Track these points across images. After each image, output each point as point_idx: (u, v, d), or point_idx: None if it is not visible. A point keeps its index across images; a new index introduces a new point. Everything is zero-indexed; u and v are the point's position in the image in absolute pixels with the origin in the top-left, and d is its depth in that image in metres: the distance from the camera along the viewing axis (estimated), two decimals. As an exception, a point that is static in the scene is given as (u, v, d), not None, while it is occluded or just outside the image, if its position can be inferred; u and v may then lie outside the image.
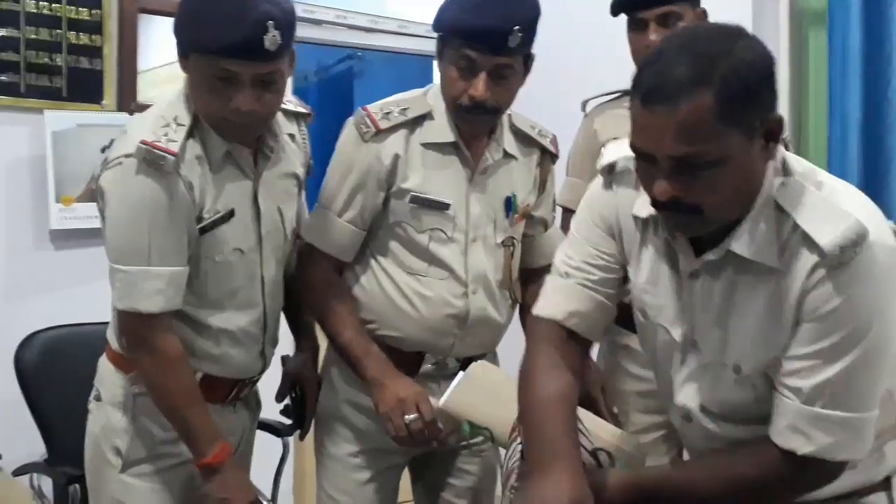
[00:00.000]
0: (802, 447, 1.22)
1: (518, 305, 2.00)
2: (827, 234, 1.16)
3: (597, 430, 1.52)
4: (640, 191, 1.31)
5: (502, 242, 1.90)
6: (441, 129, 1.82)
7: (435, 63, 1.88)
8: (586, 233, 1.42)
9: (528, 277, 1.98)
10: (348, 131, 1.84)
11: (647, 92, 1.15)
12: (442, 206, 1.82)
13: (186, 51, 1.61)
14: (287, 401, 2.02)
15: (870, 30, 2.51)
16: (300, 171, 1.86)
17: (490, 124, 1.85)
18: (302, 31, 3.20)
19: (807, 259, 1.19)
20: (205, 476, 1.69)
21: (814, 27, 2.92)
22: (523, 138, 1.94)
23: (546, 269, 1.65)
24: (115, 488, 1.76)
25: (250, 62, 1.56)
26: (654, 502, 1.37)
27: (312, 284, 1.90)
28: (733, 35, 1.18)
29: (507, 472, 1.48)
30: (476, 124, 1.82)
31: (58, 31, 2.80)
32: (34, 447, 2.29)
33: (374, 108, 1.83)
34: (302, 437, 2.06)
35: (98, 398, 1.80)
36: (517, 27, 1.68)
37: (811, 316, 1.20)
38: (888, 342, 1.22)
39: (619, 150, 1.37)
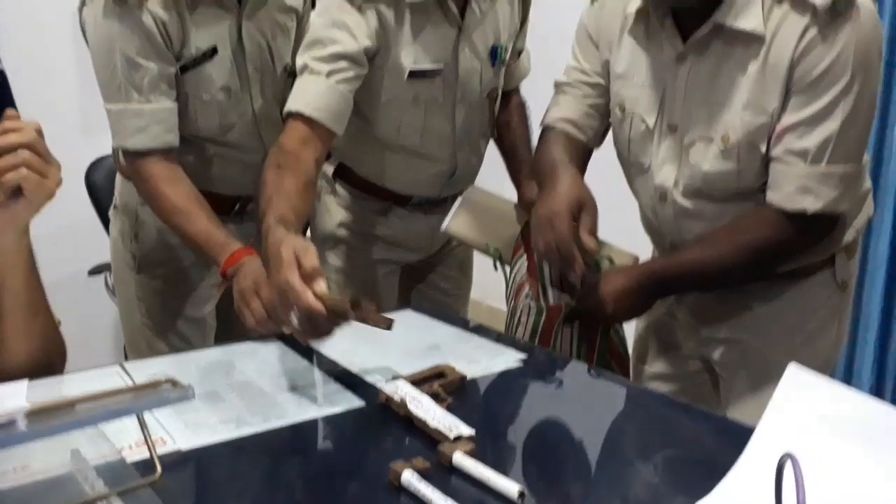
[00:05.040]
0: (812, 205, 1.24)
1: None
2: None
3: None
4: None
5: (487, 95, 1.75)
6: None
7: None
8: (577, 52, 1.50)
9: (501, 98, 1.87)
10: None
11: None
12: None
13: None
14: None
15: None
16: (297, 3, 1.74)
17: None
18: None
19: (797, 23, 1.20)
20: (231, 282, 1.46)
21: None
22: None
23: (515, 90, 1.82)
24: (133, 287, 1.77)
25: None
26: (667, 288, 1.40)
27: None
28: None
29: (515, 285, 1.52)
30: None
31: None
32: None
33: None
34: None
35: (115, 206, 1.80)
36: None
37: (805, 80, 1.21)
38: (871, 97, 1.25)
39: None
